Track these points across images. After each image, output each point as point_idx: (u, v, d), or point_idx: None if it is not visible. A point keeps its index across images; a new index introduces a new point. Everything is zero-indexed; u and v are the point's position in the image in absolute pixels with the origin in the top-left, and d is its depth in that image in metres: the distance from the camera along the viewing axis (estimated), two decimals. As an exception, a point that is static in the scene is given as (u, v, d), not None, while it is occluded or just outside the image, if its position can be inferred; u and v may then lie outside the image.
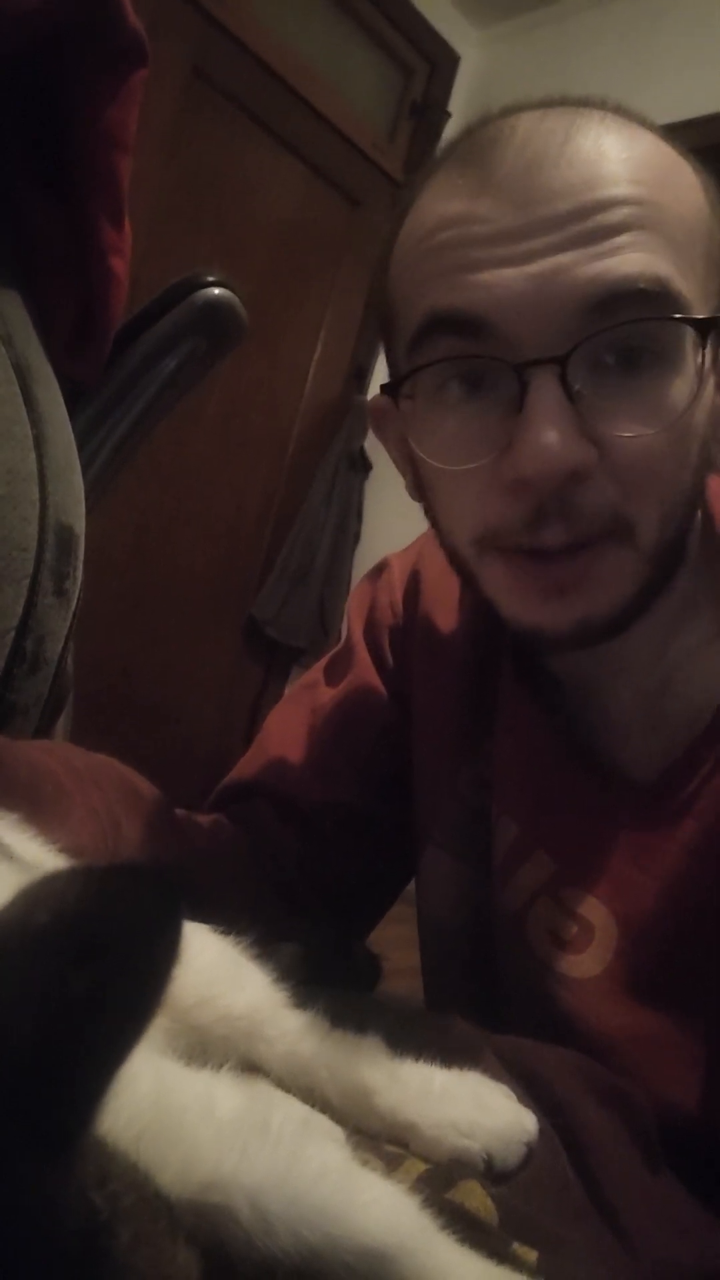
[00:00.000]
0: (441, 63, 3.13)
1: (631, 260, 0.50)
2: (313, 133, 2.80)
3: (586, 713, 0.65)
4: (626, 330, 0.50)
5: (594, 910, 0.61)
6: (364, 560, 2.92)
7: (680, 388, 0.51)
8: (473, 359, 0.53)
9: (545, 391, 0.50)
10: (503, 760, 0.69)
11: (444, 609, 0.75)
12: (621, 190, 0.51)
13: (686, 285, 0.51)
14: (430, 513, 0.62)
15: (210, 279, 0.87)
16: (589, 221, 0.50)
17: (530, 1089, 0.49)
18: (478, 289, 0.52)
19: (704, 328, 0.51)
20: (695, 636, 0.61)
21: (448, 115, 3.08)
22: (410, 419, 0.58)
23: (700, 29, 2.61)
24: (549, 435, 0.50)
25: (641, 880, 0.60)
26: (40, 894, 0.18)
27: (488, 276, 0.51)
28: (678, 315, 0.51)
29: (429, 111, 3.08)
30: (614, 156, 0.52)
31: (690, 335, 0.51)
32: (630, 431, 0.51)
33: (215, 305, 0.87)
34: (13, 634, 0.69)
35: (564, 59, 2.90)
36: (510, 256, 0.51)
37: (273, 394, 2.84)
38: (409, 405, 0.58)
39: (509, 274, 0.51)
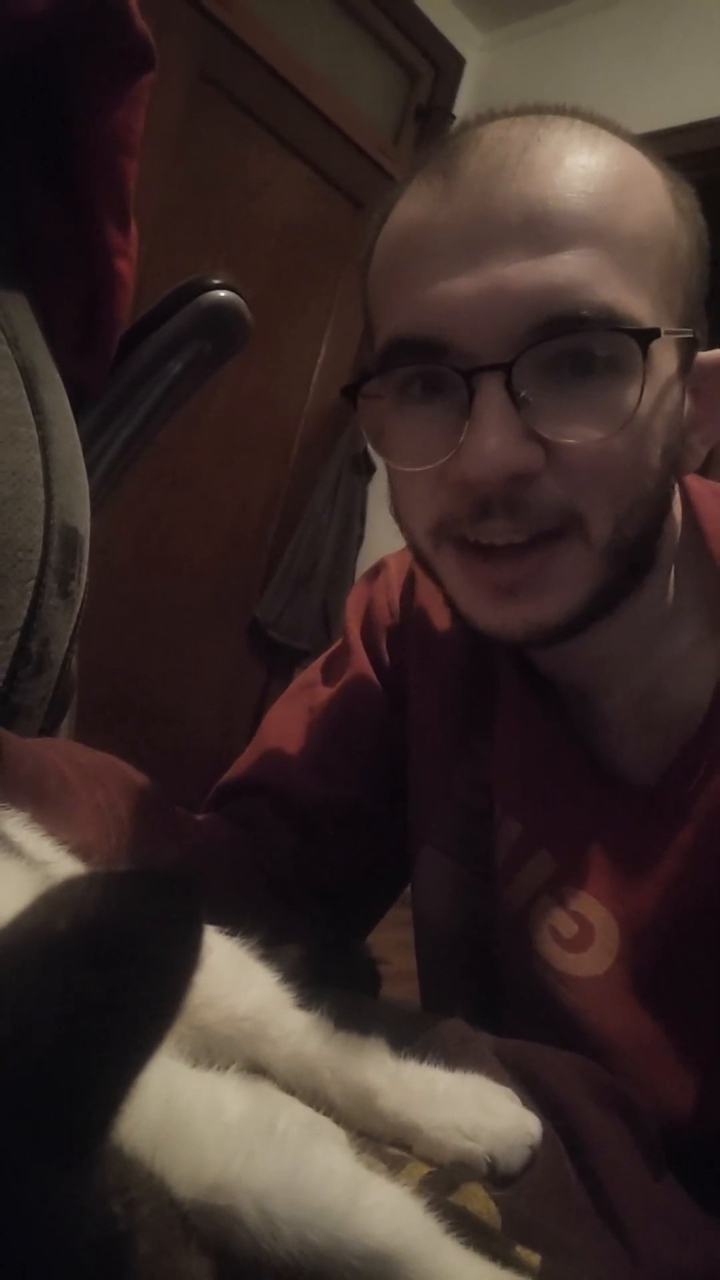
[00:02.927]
0: (446, 66, 3.13)
1: (574, 276, 0.51)
2: (318, 136, 2.81)
3: (582, 714, 0.66)
4: (572, 340, 0.51)
5: (594, 910, 0.61)
6: (367, 563, 2.91)
7: (633, 393, 0.52)
8: (431, 369, 0.55)
9: (490, 397, 0.52)
10: (503, 760, 0.70)
11: (440, 610, 0.75)
12: (573, 202, 0.52)
13: (633, 298, 0.52)
14: (394, 508, 0.63)
15: (215, 282, 0.87)
16: (537, 233, 0.51)
17: (533, 1092, 0.49)
18: (432, 307, 0.54)
19: (644, 339, 0.51)
20: (684, 639, 0.62)
21: (452, 118, 3.08)
22: (374, 420, 0.60)
23: (704, 33, 2.61)
24: (491, 440, 0.52)
25: (641, 882, 0.60)
26: (60, 899, 0.18)
27: (442, 290, 0.53)
28: (618, 328, 0.51)
29: (434, 114, 3.08)
30: (570, 166, 0.53)
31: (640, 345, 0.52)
32: (577, 435, 0.52)
33: (221, 308, 0.87)
34: (17, 635, 0.69)
35: (568, 62, 2.90)
36: (463, 266, 0.52)
37: (276, 396, 2.85)
38: (374, 406, 0.59)
39: (461, 286, 0.52)
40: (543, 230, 0.51)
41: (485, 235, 0.52)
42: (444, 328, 0.53)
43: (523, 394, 0.52)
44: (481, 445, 0.52)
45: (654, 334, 0.51)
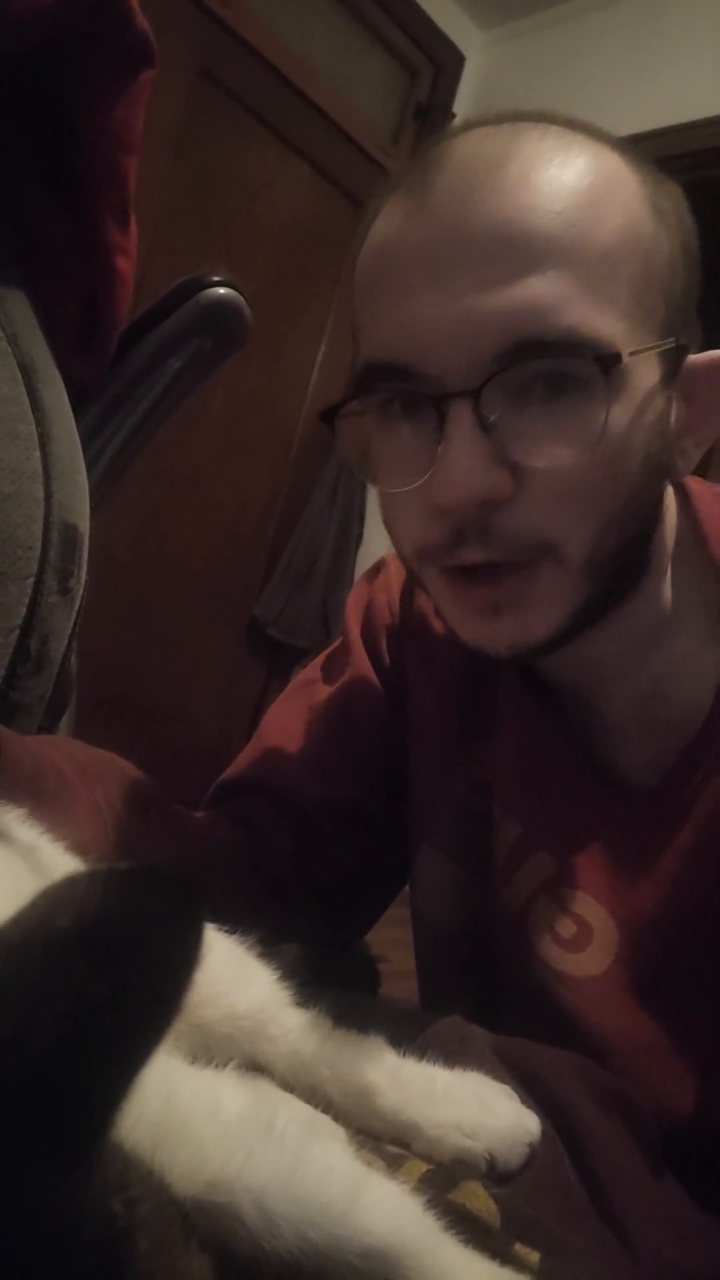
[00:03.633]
0: (446, 64, 3.13)
1: (539, 301, 0.51)
2: (318, 134, 2.81)
3: (582, 716, 0.66)
4: (537, 365, 0.51)
5: (592, 910, 0.61)
6: (366, 562, 2.90)
7: (603, 414, 0.52)
8: (404, 390, 0.55)
9: (458, 423, 0.52)
10: (503, 761, 0.70)
11: None
12: (539, 223, 0.51)
13: (600, 317, 0.52)
14: (385, 523, 0.63)
15: (216, 279, 0.87)
16: (504, 256, 0.51)
17: (532, 1090, 0.49)
18: (401, 333, 0.54)
19: (606, 363, 0.51)
20: (685, 642, 0.62)
21: (452, 117, 3.08)
22: (356, 440, 0.60)
23: (705, 31, 2.61)
24: (458, 466, 0.52)
25: (640, 883, 0.60)
26: (60, 897, 0.18)
27: (411, 314, 0.53)
28: (579, 354, 0.51)
29: (434, 113, 3.08)
30: (538, 184, 0.52)
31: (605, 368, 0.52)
32: (546, 458, 0.52)
33: (220, 305, 0.87)
34: (17, 633, 0.69)
35: (569, 61, 2.90)
36: (432, 289, 0.52)
37: (276, 396, 2.85)
38: (359, 423, 0.60)
39: (429, 311, 0.52)
40: (509, 254, 0.51)
41: (453, 259, 0.52)
42: (414, 353, 0.53)
43: (492, 419, 0.52)
44: (449, 471, 0.52)
45: (615, 359, 0.51)
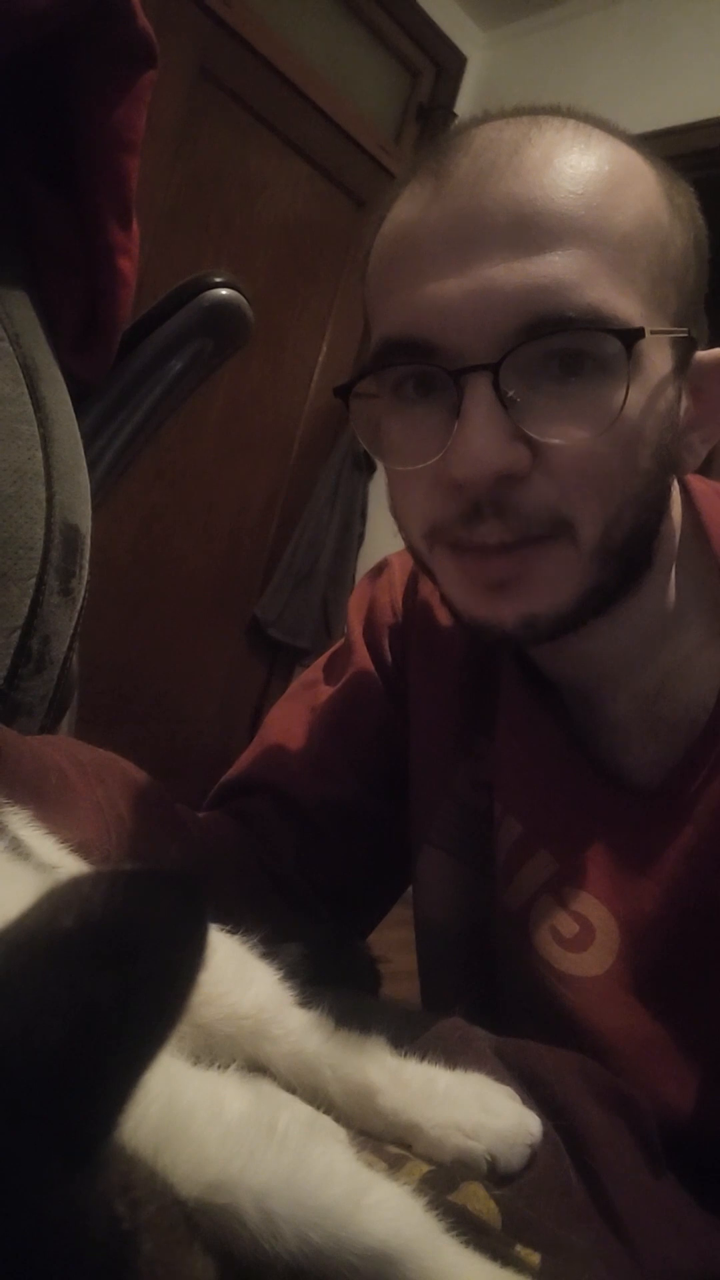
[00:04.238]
0: (448, 64, 3.13)
1: (560, 276, 0.51)
2: (319, 134, 2.80)
3: (585, 715, 0.65)
4: (558, 340, 0.52)
5: (594, 910, 0.61)
6: (367, 561, 2.91)
7: (620, 394, 0.52)
8: (421, 369, 0.56)
9: (477, 398, 0.52)
10: (506, 760, 0.70)
11: (442, 608, 0.75)
12: (561, 202, 0.52)
13: (620, 298, 0.52)
14: (392, 508, 0.63)
15: (217, 279, 0.87)
16: (525, 233, 0.51)
17: (532, 1091, 0.49)
18: (422, 308, 0.54)
19: (629, 338, 0.51)
20: (688, 641, 0.62)
21: (454, 117, 3.08)
22: (368, 420, 0.60)
23: (707, 31, 2.60)
24: (477, 440, 0.52)
25: (641, 882, 0.60)
26: (66, 898, 0.18)
27: (431, 290, 0.53)
28: (603, 328, 0.51)
29: (435, 113, 3.08)
30: (559, 166, 0.53)
31: (624, 345, 0.52)
32: (564, 435, 0.53)
33: (222, 306, 0.87)
34: (18, 633, 0.69)
35: (570, 61, 2.89)
36: (452, 267, 0.53)
37: (277, 395, 2.85)
38: (370, 406, 0.60)
39: (450, 286, 0.53)
40: (531, 231, 0.51)
41: (474, 236, 0.52)
42: (433, 328, 0.54)
43: (510, 394, 0.52)
44: (468, 445, 0.52)
45: (639, 334, 0.51)
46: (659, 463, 0.56)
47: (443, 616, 0.76)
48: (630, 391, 0.52)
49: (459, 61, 3.15)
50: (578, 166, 0.53)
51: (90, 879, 0.19)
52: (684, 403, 0.58)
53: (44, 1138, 0.17)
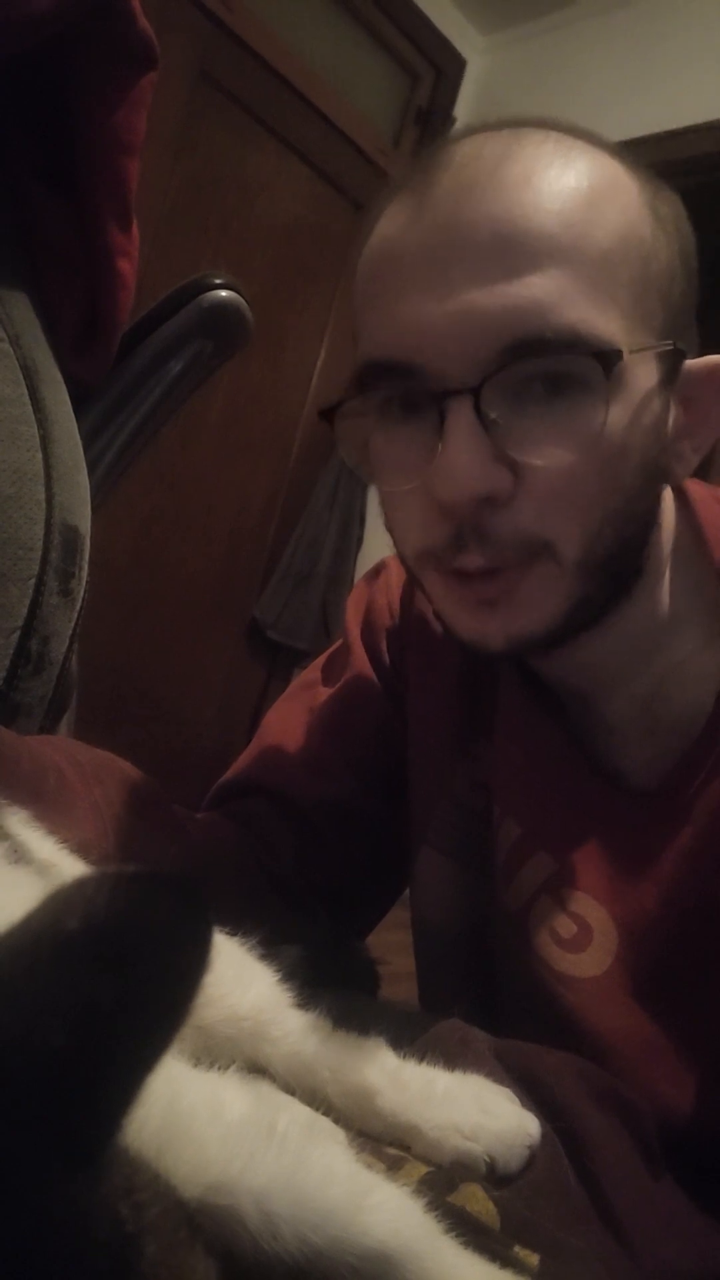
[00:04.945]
0: (447, 68, 3.14)
1: (540, 298, 0.51)
2: (318, 137, 2.81)
3: (584, 718, 0.66)
4: (538, 363, 0.52)
5: (592, 911, 0.61)
6: (366, 563, 2.91)
7: (603, 412, 0.52)
8: (404, 390, 0.56)
9: (459, 420, 0.52)
10: (504, 761, 0.70)
11: None
12: (540, 222, 0.52)
13: (600, 317, 0.52)
14: (386, 524, 0.63)
15: (217, 281, 0.87)
16: (505, 254, 0.51)
17: (531, 1092, 0.49)
18: (402, 330, 0.54)
19: (606, 360, 0.51)
20: (685, 645, 0.62)
21: (453, 121, 3.08)
22: (355, 440, 0.61)
23: (704, 36, 2.61)
24: (459, 462, 0.52)
25: (640, 883, 0.60)
26: (70, 900, 0.18)
27: (413, 311, 0.53)
28: (580, 351, 0.51)
29: (434, 117, 3.08)
30: (538, 185, 0.52)
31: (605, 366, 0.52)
32: (546, 456, 0.53)
33: (221, 307, 0.87)
34: (18, 634, 0.69)
35: (570, 65, 2.90)
36: (432, 288, 0.53)
37: (276, 397, 2.85)
38: (357, 425, 0.60)
39: (430, 309, 0.53)
40: (510, 252, 0.51)
41: (454, 256, 0.52)
42: (414, 350, 0.54)
43: (492, 416, 0.52)
44: (450, 467, 0.52)
45: (617, 355, 0.51)
46: (645, 476, 0.56)
47: None
48: (611, 410, 0.52)
49: (458, 65, 3.16)
50: (556, 184, 0.53)
51: (94, 881, 0.18)
52: (673, 412, 0.58)
53: (47, 1139, 0.17)
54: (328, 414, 0.60)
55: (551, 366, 0.52)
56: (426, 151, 0.59)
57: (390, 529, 0.62)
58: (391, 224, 0.57)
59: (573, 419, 0.53)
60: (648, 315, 0.54)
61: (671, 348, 0.56)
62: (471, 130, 0.58)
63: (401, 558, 0.63)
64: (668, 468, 0.59)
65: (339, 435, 0.61)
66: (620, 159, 0.56)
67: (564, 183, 0.53)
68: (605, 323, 0.52)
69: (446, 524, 0.55)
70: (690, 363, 0.58)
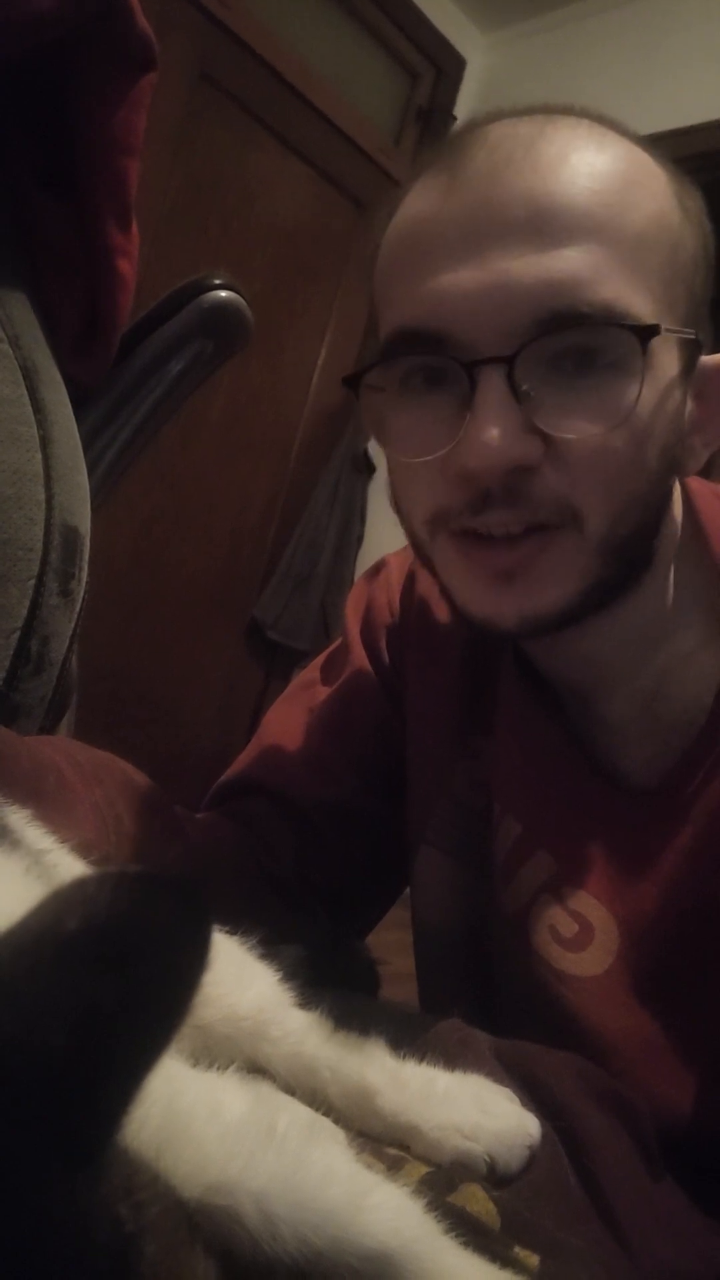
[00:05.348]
0: (448, 67, 3.14)
1: (576, 272, 0.51)
2: (318, 136, 2.81)
3: (584, 716, 0.66)
4: (573, 335, 0.52)
5: (593, 910, 0.61)
6: (366, 563, 2.90)
7: (633, 390, 0.53)
8: (433, 360, 0.56)
9: (491, 389, 0.52)
10: (504, 760, 0.70)
11: (440, 609, 0.76)
12: (577, 198, 0.52)
13: (634, 295, 0.52)
14: (394, 499, 0.63)
15: (216, 281, 0.87)
16: (541, 227, 0.52)
17: (531, 1092, 0.49)
18: (435, 299, 0.54)
19: (644, 335, 0.52)
20: (686, 642, 0.62)
21: (453, 120, 3.08)
22: (377, 410, 0.60)
23: (706, 35, 2.61)
24: (491, 431, 0.52)
25: (640, 882, 0.60)
26: (70, 900, 0.18)
27: (445, 281, 0.53)
28: (619, 324, 0.51)
29: (435, 116, 3.08)
30: (575, 163, 0.53)
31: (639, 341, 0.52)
32: (576, 430, 0.53)
33: (221, 308, 0.87)
34: (18, 634, 0.69)
35: (571, 64, 2.90)
36: (466, 259, 0.53)
37: (277, 397, 2.85)
38: (376, 398, 0.60)
39: (464, 278, 0.53)
40: (546, 225, 0.52)
41: (489, 228, 0.52)
42: (446, 319, 0.54)
43: (524, 387, 0.52)
44: (482, 436, 0.52)
45: (654, 330, 0.52)
46: (665, 462, 0.56)
47: (440, 614, 0.76)
48: (644, 388, 0.52)
49: (458, 64, 3.16)
50: (593, 164, 0.53)
51: (94, 881, 0.19)
52: (688, 405, 0.58)
53: (46, 1139, 0.17)
54: (352, 381, 0.60)
55: (586, 340, 0.52)
56: (453, 133, 0.59)
57: (399, 500, 0.62)
58: (422, 199, 0.57)
59: (603, 395, 0.53)
60: (674, 302, 0.55)
61: (694, 337, 0.56)
62: (499, 114, 0.58)
63: (409, 530, 0.62)
64: (682, 459, 0.59)
65: (362, 403, 0.61)
66: (648, 149, 0.57)
67: (600, 163, 0.53)
68: (639, 302, 0.52)
69: (465, 490, 0.55)
70: (705, 358, 0.58)
